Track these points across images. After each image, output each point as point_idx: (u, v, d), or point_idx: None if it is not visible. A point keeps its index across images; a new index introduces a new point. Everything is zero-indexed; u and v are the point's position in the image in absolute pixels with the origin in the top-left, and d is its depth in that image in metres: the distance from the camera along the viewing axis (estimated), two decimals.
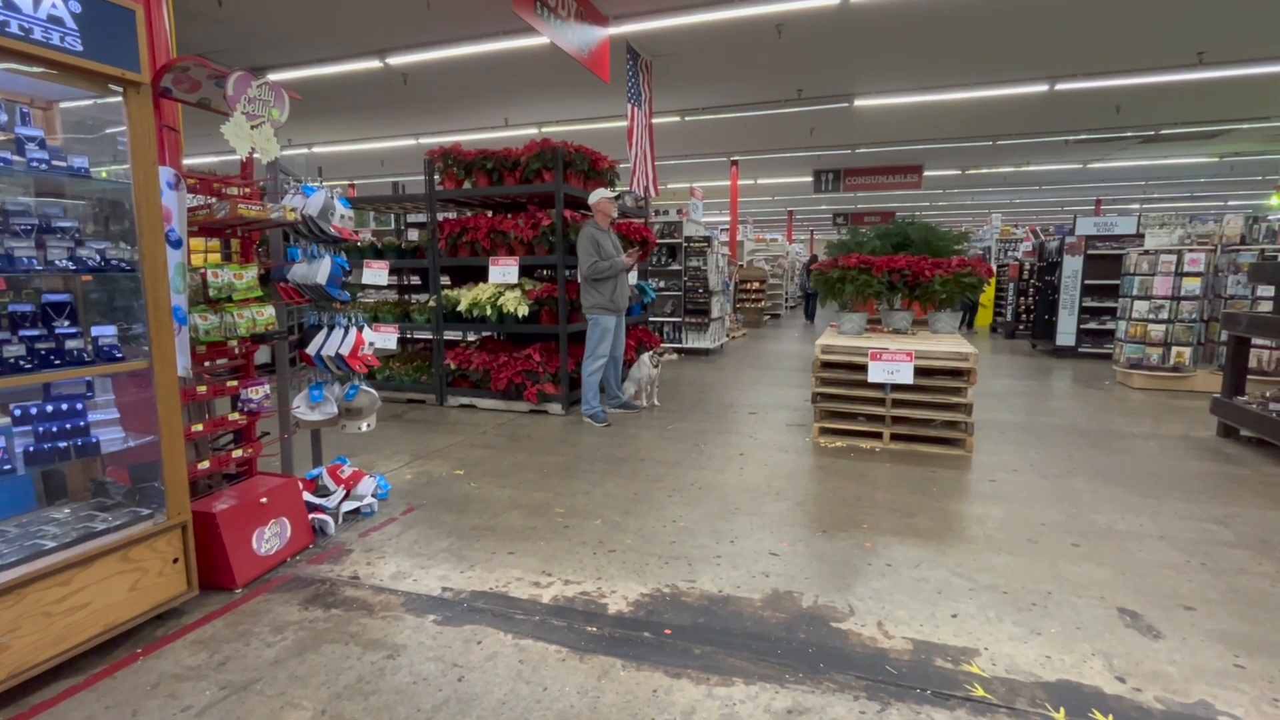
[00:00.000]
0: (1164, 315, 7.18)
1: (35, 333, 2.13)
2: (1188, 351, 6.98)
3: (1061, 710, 1.91)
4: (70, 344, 2.19)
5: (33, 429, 2.15)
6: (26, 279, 2.29)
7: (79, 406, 2.26)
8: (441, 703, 1.96)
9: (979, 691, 2.00)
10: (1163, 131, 12.57)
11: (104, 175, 2.44)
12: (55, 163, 2.16)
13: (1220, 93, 10.26)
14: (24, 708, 1.94)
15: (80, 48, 2.04)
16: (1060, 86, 9.51)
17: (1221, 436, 4.95)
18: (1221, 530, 3.23)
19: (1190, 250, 7.22)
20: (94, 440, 2.28)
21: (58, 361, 2.15)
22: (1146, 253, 7.45)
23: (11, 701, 1.96)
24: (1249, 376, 5.15)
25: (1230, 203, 24.75)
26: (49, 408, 2.19)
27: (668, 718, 1.89)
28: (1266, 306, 6.35)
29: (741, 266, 15.00)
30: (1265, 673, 2.09)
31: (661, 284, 9.95)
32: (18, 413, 2.13)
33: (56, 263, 2.15)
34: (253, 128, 2.74)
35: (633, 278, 6.38)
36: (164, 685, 2.05)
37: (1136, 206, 23.94)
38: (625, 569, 2.83)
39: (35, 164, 2.12)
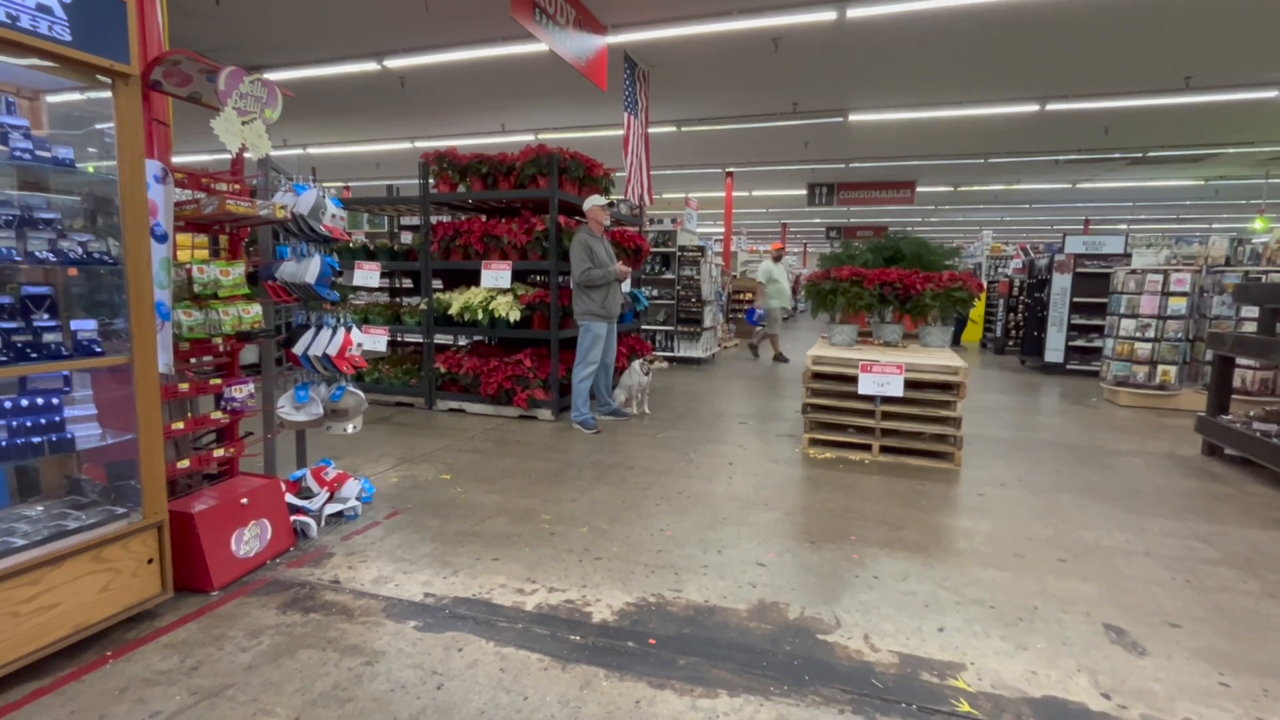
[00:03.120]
0: (1150, 334, 7.24)
1: (12, 325, 2.08)
2: (1173, 370, 7.04)
3: None
4: (48, 337, 2.15)
5: (6, 423, 2.10)
6: (8, 271, 2.24)
7: (55, 401, 2.21)
8: (419, 711, 1.92)
9: (965, 707, 1.98)
10: (1150, 154, 12.76)
11: (90, 169, 2.41)
12: (40, 153, 2.13)
13: (1207, 117, 10.43)
14: None
15: (69, 37, 2.01)
16: (1051, 107, 9.64)
17: (1206, 455, 4.98)
18: (1206, 548, 3.24)
19: (1176, 270, 7.31)
20: (69, 436, 2.23)
21: (35, 355, 2.10)
22: (1134, 272, 7.52)
23: None
24: (1233, 396, 5.20)
25: (1215, 225, 25.16)
26: (24, 402, 2.14)
27: None
28: (1251, 327, 6.42)
29: (735, 277, 15.04)
30: (1249, 691, 2.09)
31: (655, 292, 9.94)
32: None
33: (37, 254, 2.11)
34: (244, 123, 2.71)
35: (626, 285, 6.38)
36: (133, 690, 1.99)
37: (1124, 226, 24.23)
38: (611, 577, 2.80)
39: (19, 154, 2.08)
